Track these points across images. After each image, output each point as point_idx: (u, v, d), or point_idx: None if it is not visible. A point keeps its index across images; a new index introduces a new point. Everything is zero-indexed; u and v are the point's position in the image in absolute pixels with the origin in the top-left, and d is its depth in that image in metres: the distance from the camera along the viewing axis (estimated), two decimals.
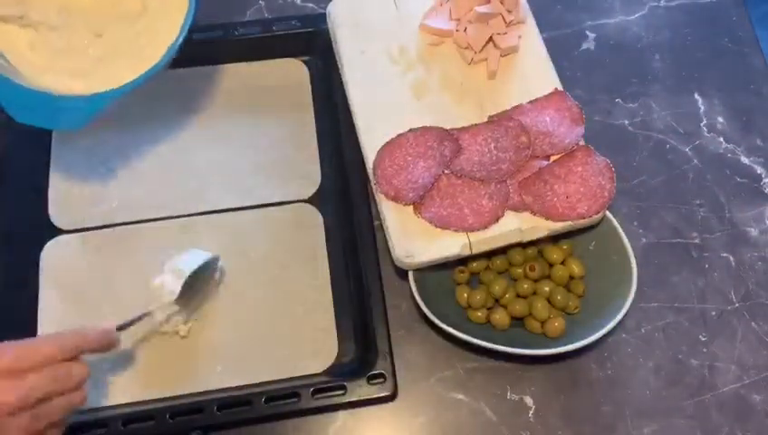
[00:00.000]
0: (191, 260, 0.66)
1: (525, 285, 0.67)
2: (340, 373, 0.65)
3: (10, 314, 0.68)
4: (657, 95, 0.80)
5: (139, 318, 0.63)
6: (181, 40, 0.64)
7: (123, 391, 0.65)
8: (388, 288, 0.68)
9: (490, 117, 0.68)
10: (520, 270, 0.68)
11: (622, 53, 0.83)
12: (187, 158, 0.76)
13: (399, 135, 0.66)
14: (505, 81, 0.70)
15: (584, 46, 0.83)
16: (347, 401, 0.63)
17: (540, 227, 0.64)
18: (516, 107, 0.68)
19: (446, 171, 0.65)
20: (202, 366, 0.67)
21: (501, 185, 0.65)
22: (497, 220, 0.64)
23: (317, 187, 0.74)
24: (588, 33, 0.84)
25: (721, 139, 0.78)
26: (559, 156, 0.66)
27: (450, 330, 0.62)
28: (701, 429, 0.65)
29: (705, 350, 0.68)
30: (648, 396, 0.66)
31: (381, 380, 0.64)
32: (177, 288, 0.64)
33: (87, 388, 0.54)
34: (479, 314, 0.67)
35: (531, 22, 0.73)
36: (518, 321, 0.67)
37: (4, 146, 0.74)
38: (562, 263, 0.68)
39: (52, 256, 0.71)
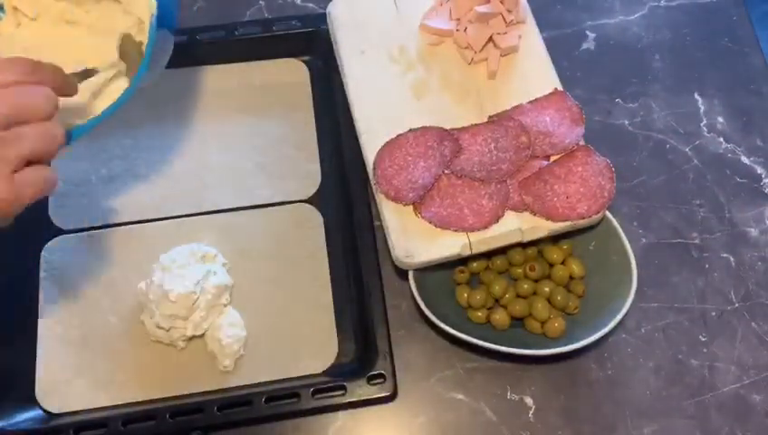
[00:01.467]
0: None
1: (525, 285, 0.67)
2: (340, 373, 0.65)
3: (11, 314, 0.68)
4: (657, 95, 0.80)
5: (84, 72, 0.59)
6: (143, 70, 0.60)
7: (123, 390, 0.65)
8: (388, 288, 0.68)
9: (490, 117, 0.68)
10: (520, 270, 0.68)
11: (622, 53, 0.83)
12: (187, 158, 0.76)
13: (399, 135, 0.66)
14: (505, 81, 0.70)
15: (584, 46, 0.83)
16: (347, 401, 0.63)
17: (540, 227, 0.64)
18: (516, 107, 0.68)
19: (446, 171, 0.65)
20: (202, 366, 0.67)
21: (501, 185, 0.65)
22: (497, 220, 0.64)
23: (317, 187, 0.74)
24: (588, 33, 0.84)
25: (721, 139, 0.78)
26: (559, 156, 0.66)
27: (450, 330, 0.62)
28: (701, 429, 0.65)
29: (705, 350, 0.68)
30: (647, 396, 0.66)
31: (381, 380, 0.64)
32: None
33: (62, 151, 0.51)
34: (479, 314, 0.67)
35: (531, 22, 0.73)
36: (518, 321, 0.67)
37: None
38: (562, 263, 0.68)
39: (53, 256, 0.71)
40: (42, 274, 0.70)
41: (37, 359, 0.67)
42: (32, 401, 0.65)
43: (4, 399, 0.65)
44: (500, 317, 0.66)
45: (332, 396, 0.64)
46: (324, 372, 0.66)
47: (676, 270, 0.72)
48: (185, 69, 0.79)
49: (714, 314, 0.70)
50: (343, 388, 0.64)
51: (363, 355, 0.66)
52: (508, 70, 0.71)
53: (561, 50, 0.79)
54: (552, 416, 0.65)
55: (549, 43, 0.72)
